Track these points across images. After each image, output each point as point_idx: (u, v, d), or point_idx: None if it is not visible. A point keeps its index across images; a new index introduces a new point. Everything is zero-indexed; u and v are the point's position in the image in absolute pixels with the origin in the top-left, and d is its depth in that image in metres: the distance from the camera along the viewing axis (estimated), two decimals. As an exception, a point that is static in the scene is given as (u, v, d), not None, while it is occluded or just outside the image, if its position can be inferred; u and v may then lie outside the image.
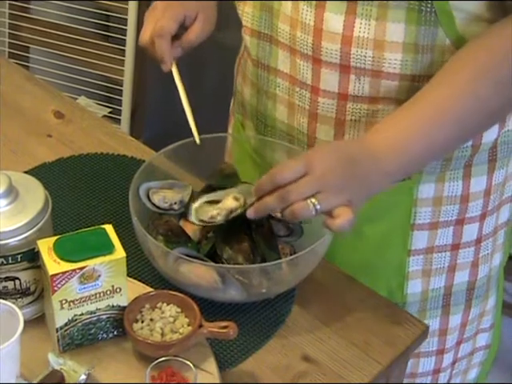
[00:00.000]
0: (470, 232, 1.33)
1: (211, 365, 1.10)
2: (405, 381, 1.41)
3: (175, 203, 1.26)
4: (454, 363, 1.46)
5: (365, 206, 1.25)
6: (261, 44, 1.28)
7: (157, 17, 1.26)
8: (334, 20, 1.16)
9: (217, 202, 1.22)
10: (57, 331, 1.09)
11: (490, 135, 1.25)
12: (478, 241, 1.35)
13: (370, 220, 1.29)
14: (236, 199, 1.20)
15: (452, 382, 1.48)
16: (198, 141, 1.25)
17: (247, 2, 1.28)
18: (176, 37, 1.27)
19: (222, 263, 1.16)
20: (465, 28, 1.14)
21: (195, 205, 1.23)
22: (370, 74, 1.18)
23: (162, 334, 1.11)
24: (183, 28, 1.28)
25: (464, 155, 1.26)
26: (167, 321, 1.12)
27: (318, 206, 1.06)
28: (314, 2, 1.17)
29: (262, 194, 1.10)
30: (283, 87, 1.28)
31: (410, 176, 1.25)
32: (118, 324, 1.12)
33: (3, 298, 1.08)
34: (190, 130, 1.27)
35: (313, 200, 1.06)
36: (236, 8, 1.33)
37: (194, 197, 1.25)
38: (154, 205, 1.25)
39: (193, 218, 1.21)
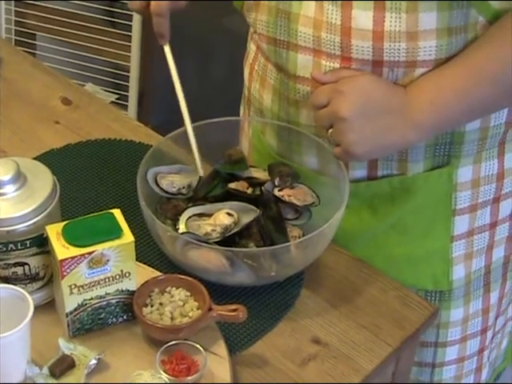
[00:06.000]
0: (505, 208, 1.34)
1: (221, 348, 1.10)
2: (454, 365, 1.43)
3: (183, 188, 1.26)
4: (492, 338, 1.47)
5: (406, 199, 1.28)
6: (278, 51, 1.26)
7: None
8: (363, 17, 1.14)
9: (206, 215, 1.20)
10: (67, 316, 1.10)
11: None
12: None
13: (413, 212, 1.29)
14: (229, 215, 1.19)
15: (492, 356, 1.49)
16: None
17: (260, 10, 1.26)
18: None
19: (231, 246, 1.16)
20: (501, 5, 1.13)
21: (184, 216, 1.20)
22: (403, 65, 1.17)
23: (172, 318, 1.11)
24: None
25: (498, 132, 1.26)
26: (176, 305, 1.12)
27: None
28: (339, 2, 1.15)
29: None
30: (304, 93, 1.25)
31: (448, 161, 1.26)
32: (128, 308, 1.13)
33: (13, 284, 1.09)
34: (198, 114, 1.26)
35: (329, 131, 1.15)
36: (245, 16, 1.30)
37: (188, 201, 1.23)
38: (162, 189, 1.25)
39: (182, 229, 1.19)
